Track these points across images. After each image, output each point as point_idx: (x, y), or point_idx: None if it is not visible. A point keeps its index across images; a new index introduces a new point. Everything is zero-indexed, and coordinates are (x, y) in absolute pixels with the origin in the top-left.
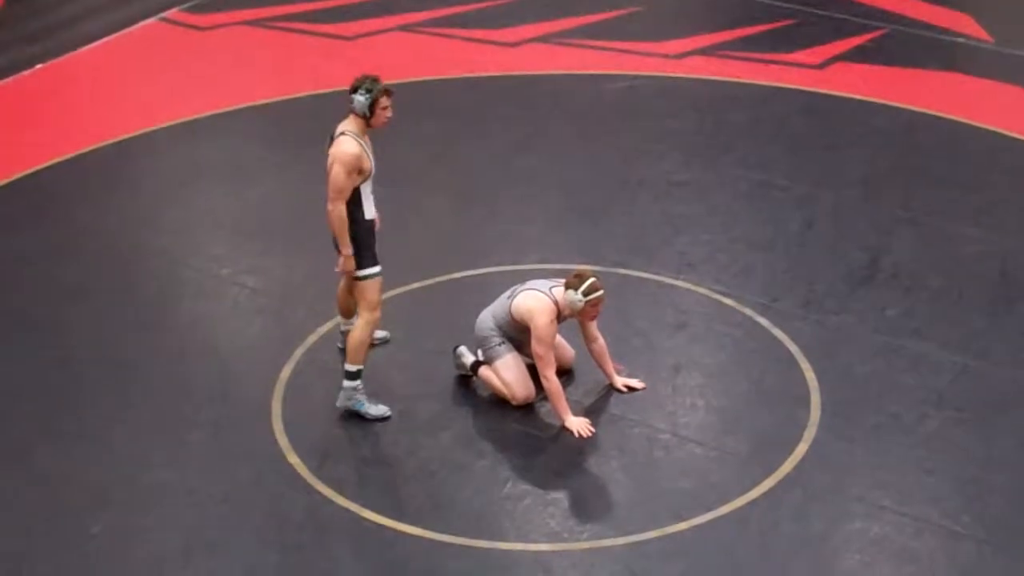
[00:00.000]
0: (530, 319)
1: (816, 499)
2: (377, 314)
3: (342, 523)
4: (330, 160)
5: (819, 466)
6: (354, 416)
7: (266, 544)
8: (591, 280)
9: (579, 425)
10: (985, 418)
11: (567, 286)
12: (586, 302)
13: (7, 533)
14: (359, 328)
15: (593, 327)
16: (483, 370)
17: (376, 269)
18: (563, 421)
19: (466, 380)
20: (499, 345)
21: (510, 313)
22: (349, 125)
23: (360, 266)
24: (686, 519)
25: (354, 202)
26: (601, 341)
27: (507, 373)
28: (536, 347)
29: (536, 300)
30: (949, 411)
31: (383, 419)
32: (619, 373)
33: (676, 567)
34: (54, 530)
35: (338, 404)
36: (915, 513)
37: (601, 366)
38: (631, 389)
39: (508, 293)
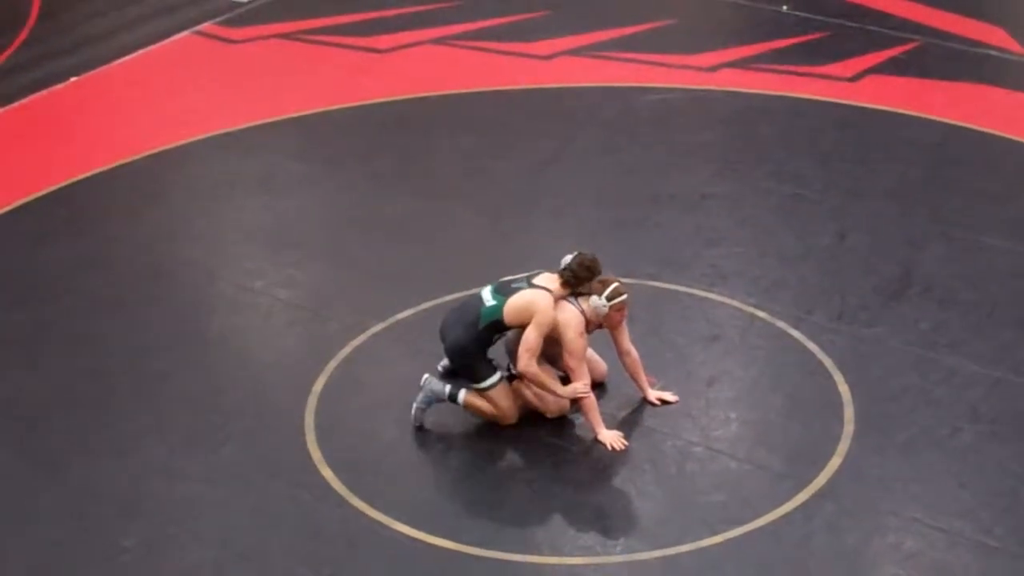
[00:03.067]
0: (560, 333)
1: (849, 513)
2: (507, 421)
3: (374, 536)
4: (524, 312)
5: (852, 480)
6: (386, 428)
7: (298, 557)
8: (614, 285)
9: (612, 438)
10: (1019, 431)
11: (591, 292)
12: (611, 307)
13: (40, 545)
14: (489, 408)
15: (626, 340)
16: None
17: (496, 377)
18: (596, 434)
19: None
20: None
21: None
22: (555, 286)
23: (482, 377)
24: (719, 533)
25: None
26: (634, 354)
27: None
28: (568, 360)
29: (564, 312)
30: (982, 424)
31: (417, 429)
32: (652, 386)
33: None
34: (86, 542)
35: (423, 381)
36: (948, 527)
37: (634, 379)
38: (664, 402)
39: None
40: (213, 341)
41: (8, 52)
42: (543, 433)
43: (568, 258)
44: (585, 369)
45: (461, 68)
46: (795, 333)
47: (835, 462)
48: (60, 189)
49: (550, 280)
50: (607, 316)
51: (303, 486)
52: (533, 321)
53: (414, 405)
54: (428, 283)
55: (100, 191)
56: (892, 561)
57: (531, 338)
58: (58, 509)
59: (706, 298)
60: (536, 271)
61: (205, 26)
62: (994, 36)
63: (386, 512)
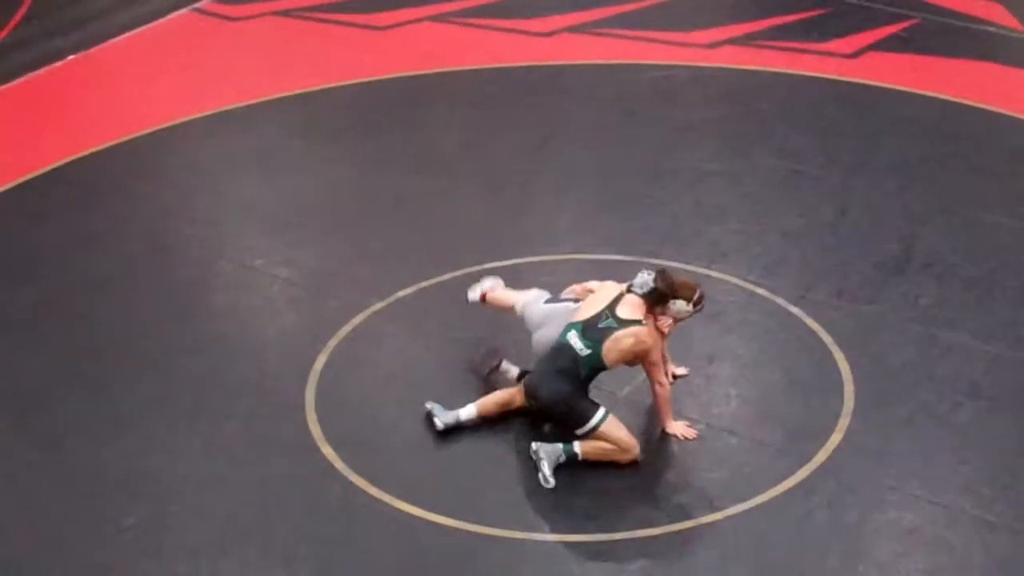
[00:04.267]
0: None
1: (850, 489)
2: (631, 453)
3: (375, 513)
4: (629, 353)
5: (853, 456)
6: (387, 406)
7: (300, 534)
8: (700, 291)
9: (681, 429)
10: (1019, 407)
11: (683, 296)
12: (693, 313)
13: (41, 524)
14: (618, 454)
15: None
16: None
17: (601, 412)
18: (665, 425)
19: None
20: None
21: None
22: (641, 312)
23: (589, 416)
24: (720, 509)
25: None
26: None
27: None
28: (655, 357)
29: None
30: (983, 400)
31: (545, 486)
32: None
33: (711, 557)
34: (88, 521)
35: (534, 446)
36: (948, 502)
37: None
38: (676, 377)
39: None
40: (214, 319)
41: (6, 30)
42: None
43: (646, 277)
44: (662, 363)
45: (461, 45)
46: (795, 310)
47: (835, 438)
48: (59, 167)
49: (635, 307)
50: (678, 321)
51: (304, 464)
52: (646, 360)
53: (540, 475)
54: (429, 261)
55: (99, 169)
56: (892, 537)
57: (652, 364)
58: (59, 487)
59: (706, 275)
60: (613, 298)
61: (204, 3)
62: (994, 13)
63: (387, 490)
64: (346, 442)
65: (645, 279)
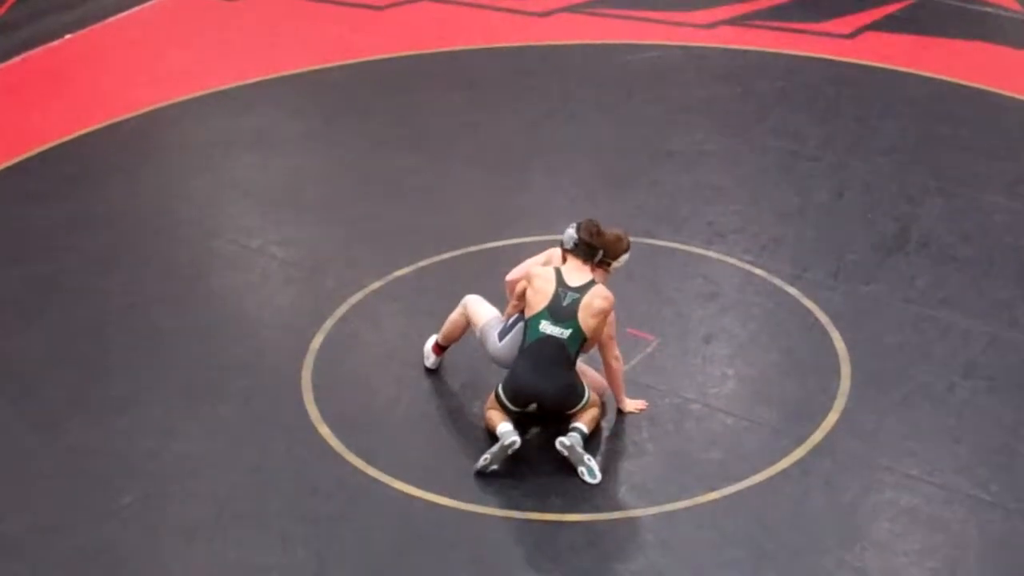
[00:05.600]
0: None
1: (846, 469)
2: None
3: (372, 493)
4: (601, 317)
5: (849, 436)
6: (384, 385)
7: (296, 514)
8: (628, 238)
9: (636, 405)
10: (1015, 387)
11: (617, 253)
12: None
13: (38, 503)
14: (596, 411)
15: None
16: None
17: (588, 391)
18: (620, 404)
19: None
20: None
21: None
22: (587, 272)
23: (582, 392)
24: (716, 489)
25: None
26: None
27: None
28: (609, 329)
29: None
30: (979, 380)
31: (594, 479)
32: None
33: (707, 537)
34: (85, 500)
35: (567, 441)
36: (945, 482)
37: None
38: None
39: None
40: (210, 299)
41: (3, 9)
42: None
43: (570, 232)
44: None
45: (458, 25)
46: (792, 290)
47: (832, 418)
48: (56, 147)
49: (579, 269)
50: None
51: (301, 444)
52: (607, 321)
53: (584, 471)
54: (425, 240)
55: (96, 149)
56: (888, 517)
57: (612, 330)
58: (55, 467)
59: (703, 255)
60: (555, 276)
61: None
62: None
63: (384, 470)
64: (343, 422)
65: (570, 233)
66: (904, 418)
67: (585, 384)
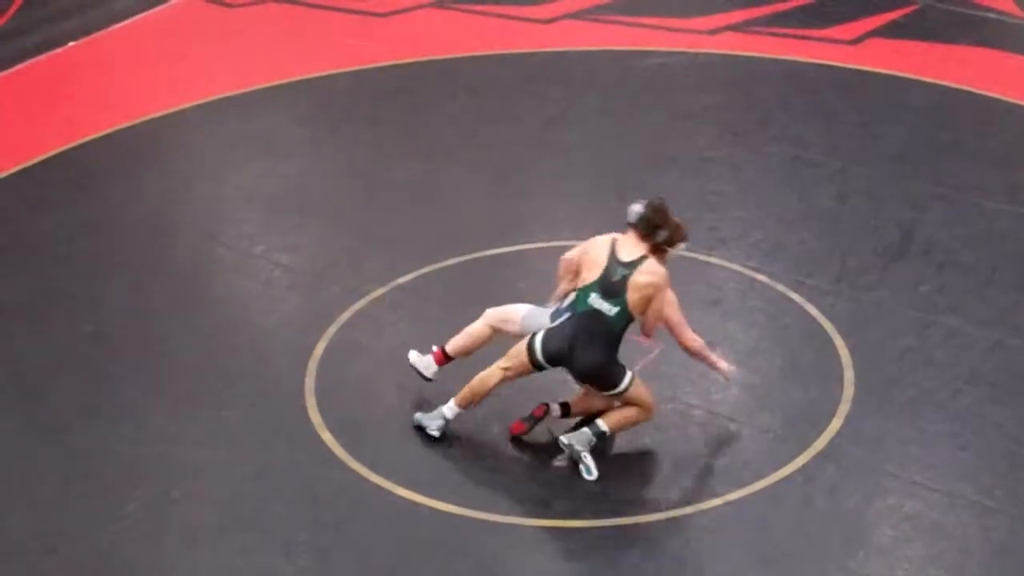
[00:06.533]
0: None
1: (849, 475)
2: (652, 413)
3: (375, 500)
4: (651, 295)
5: (852, 442)
6: (386, 392)
7: (299, 520)
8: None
9: (730, 368)
10: (1018, 393)
11: (676, 240)
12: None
13: (42, 509)
14: (638, 413)
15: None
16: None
17: (630, 375)
18: (718, 368)
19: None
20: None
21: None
22: (644, 249)
23: (620, 378)
24: (720, 495)
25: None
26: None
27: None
28: (673, 315)
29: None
30: (982, 386)
31: (588, 477)
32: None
33: (710, 543)
34: (88, 507)
35: (564, 439)
36: (948, 488)
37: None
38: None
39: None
40: (214, 305)
41: (7, 16)
42: (544, 398)
43: (637, 208)
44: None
45: (461, 32)
46: (795, 296)
47: (835, 424)
48: (59, 154)
49: (634, 245)
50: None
51: (303, 450)
52: (663, 300)
53: (582, 468)
54: (429, 247)
55: (99, 156)
56: (892, 523)
57: (677, 316)
58: (59, 473)
59: (707, 262)
60: (609, 248)
61: None
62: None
63: (386, 476)
64: (346, 428)
65: (636, 208)
66: (907, 424)
67: (627, 374)
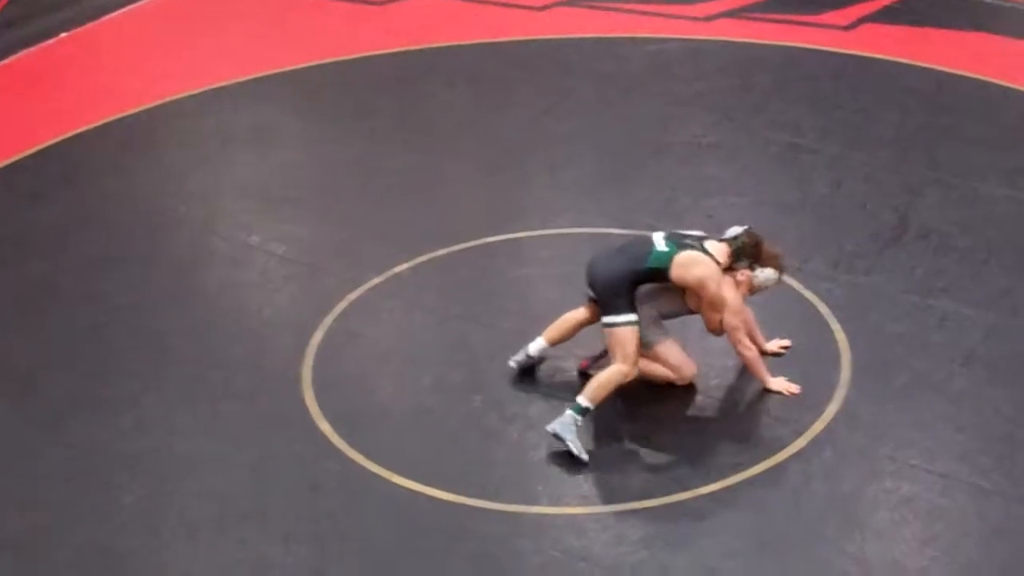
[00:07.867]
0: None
1: (847, 458)
2: (636, 370)
3: (374, 489)
4: (693, 269)
5: (849, 425)
6: (384, 381)
7: (298, 511)
8: (783, 259)
9: (783, 384)
10: (1014, 376)
11: (765, 261)
12: (776, 282)
13: (40, 503)
14: (612, 372)
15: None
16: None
17: (633, 316)
18: (766, 384)
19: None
20: (655, 324)
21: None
22: (723, 258)
23: (620, 311)
24: (717, 480)
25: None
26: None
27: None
28: (731, 319)
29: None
30: (979, 369)
31: (580, 460)
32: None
33: (708, 528)
34: (86, 500)
35: (549, 428)
36: (945, 471)
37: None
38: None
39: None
40: (210, 297)
41: None
42: (541, 385)
43: (737, 230)
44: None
45: (457, 20)
46: (792, 281)
47: (832, 408)
48: (52, 146)
49: (720, 252)
50: (756, 289)
51: (301, 440)
52: (715, 282)
53: (574, 450)
54: (425, 237)
55: (93, 147)
56: (889, 505)
57: (731, 296)
58: (57, 466)
59: None
60: (704, 235)
61: None
62: None
63: (385, 465)
64: (344, 418)
65: (736, 230)
66: (904, 407)
67: (629, 315)
